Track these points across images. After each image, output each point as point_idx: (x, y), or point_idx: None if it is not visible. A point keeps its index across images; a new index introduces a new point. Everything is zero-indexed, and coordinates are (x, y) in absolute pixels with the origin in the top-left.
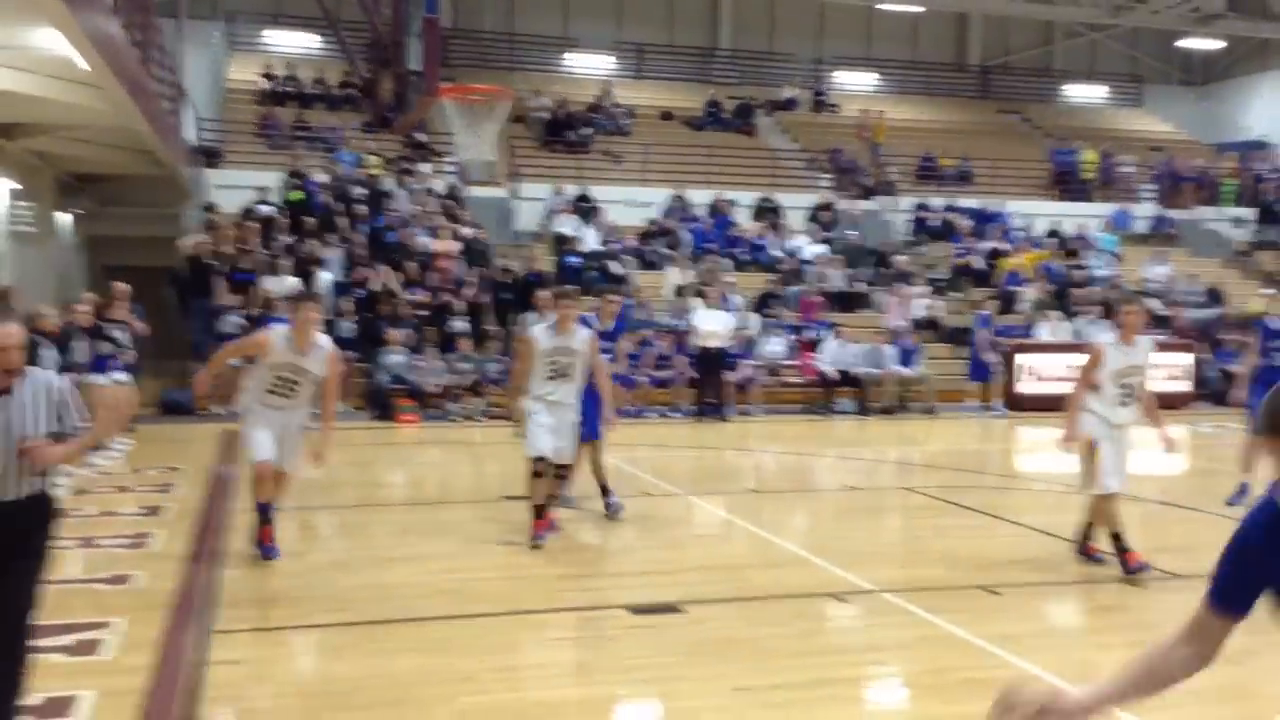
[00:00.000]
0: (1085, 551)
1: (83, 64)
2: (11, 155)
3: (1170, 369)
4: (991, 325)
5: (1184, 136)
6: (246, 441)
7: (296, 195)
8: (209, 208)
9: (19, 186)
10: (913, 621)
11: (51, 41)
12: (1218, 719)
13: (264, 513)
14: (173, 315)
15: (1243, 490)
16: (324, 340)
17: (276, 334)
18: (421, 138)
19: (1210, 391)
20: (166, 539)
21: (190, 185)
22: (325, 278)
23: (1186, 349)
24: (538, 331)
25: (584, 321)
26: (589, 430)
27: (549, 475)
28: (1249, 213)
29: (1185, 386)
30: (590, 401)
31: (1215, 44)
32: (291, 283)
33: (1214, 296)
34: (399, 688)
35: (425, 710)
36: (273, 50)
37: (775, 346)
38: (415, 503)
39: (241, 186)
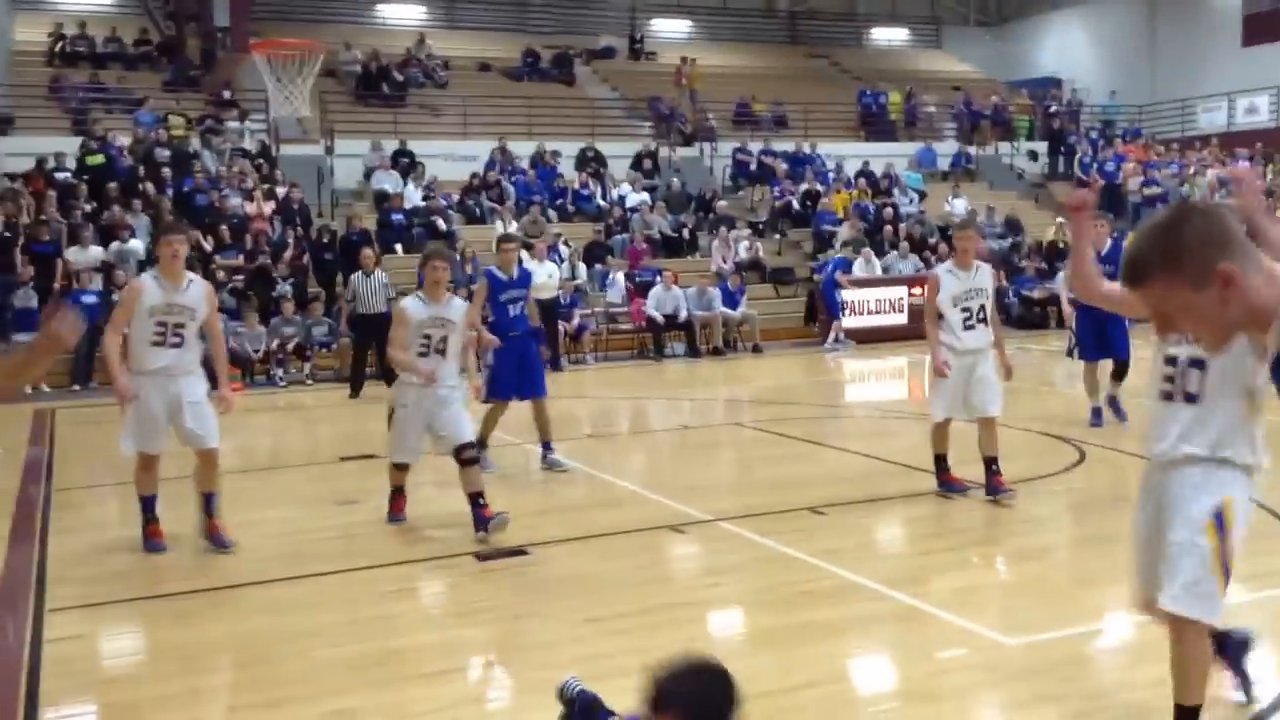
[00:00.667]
0: (945, 481)
1: None
2: None
3: None
4: (845, 267)
5: (981, 75)
6: (127, 431)
7: (95, 160)
8: (11, 177)
9: None
10: (746, 545)
11: None
12: (1024, 610)
13: (148, 507)
14: None
15: (1097, 413)
16: (195, 276)
17: (145, 277)
18: (228, 95)
19: (1011, 317)
20: None
21: None
22: (135, 246)
23: None
24: (409, 302)
25: (490, 276)
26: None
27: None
28: (1042, 147)
29: None
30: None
31: None
32: (96, 253)
33: (1012, 227)
34: (249, 648)
35: (277, 667)
36: (61, 8)
37: (612, 295)
38: (245, 470)
39: (34, 154)
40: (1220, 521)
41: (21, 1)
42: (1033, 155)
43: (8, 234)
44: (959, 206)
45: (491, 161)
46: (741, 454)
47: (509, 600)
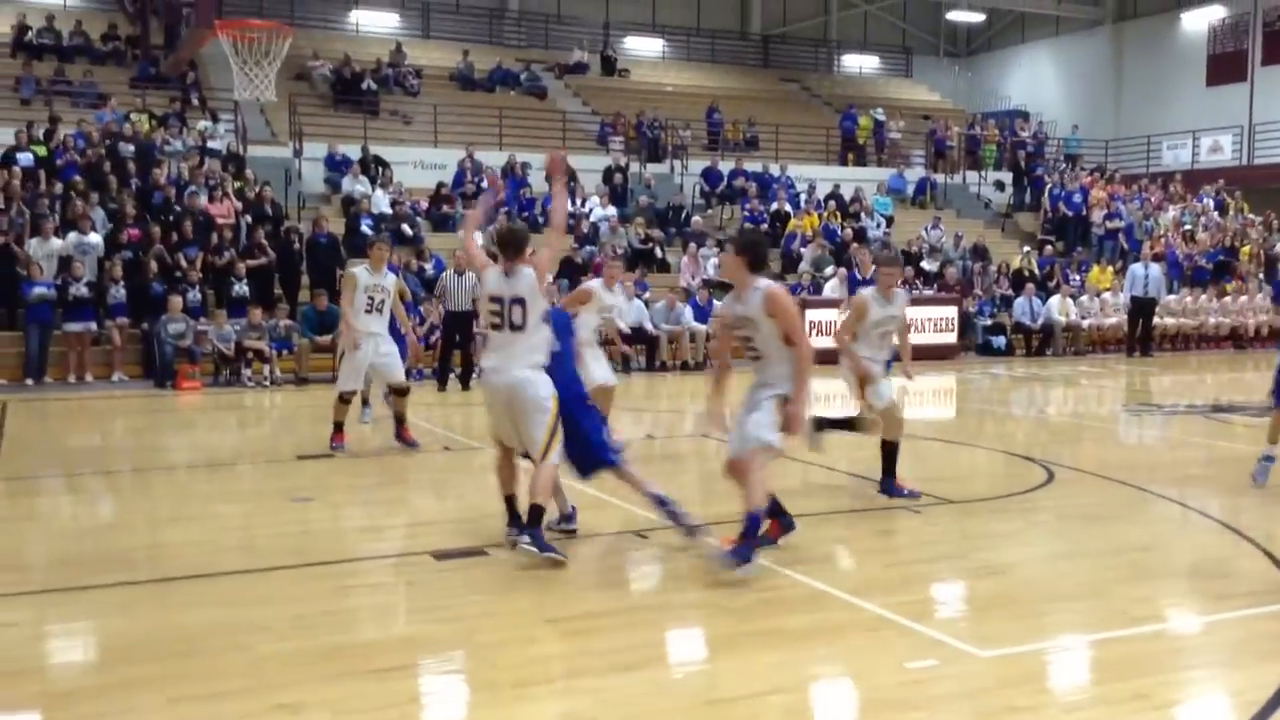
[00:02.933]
0: (892, 491)
1: None
2: None
3: (938, 321)
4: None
5: (949, 105)
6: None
7: (39, 150)
8: None
9: None
10: (710, 553)
11: None
12: (994, 622)
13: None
14: None
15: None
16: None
17: (359, 268)
18: (194, 96)
19: (979, 342)
20: None
21: None
22: (94, 239)
23: (953, 303)
24: (358, 270)
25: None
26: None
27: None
28: (1007, 177)
29: (951, 338)
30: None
31: (977, 18)
32: (55, 244)
33: (979, 254)
34: (190, 640)
35: (219, 659)
36: (26, 1)
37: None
38: (204, 465)
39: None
40: None
41: None
42: (999, 185)
43: None
44: (934, 236)
45: (461, 171)
46: (706, 465)
47: (465, 599)
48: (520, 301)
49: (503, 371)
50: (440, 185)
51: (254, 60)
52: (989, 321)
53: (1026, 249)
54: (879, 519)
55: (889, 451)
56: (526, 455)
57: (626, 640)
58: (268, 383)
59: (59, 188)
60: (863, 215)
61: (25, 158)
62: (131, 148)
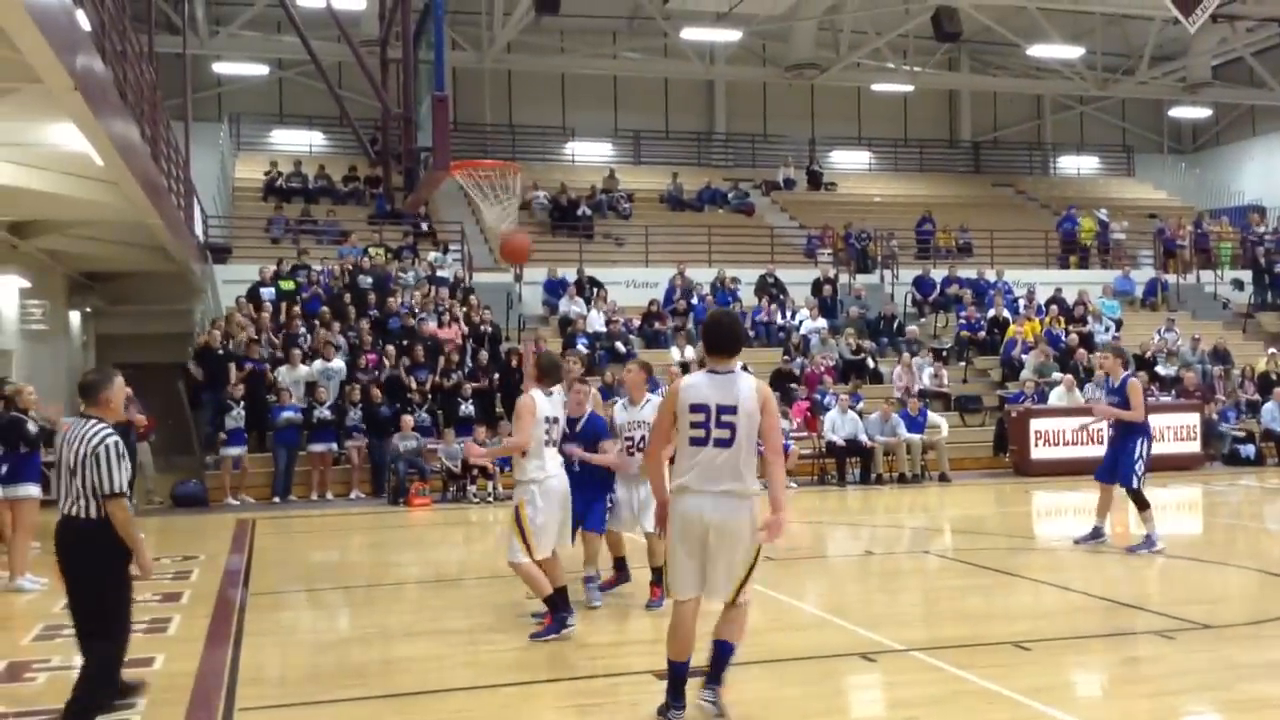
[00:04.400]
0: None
1: (99, 160)
2: (23, 254)
3: (1178, 430)
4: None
5: (1177, 203)
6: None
7: (286, 284)
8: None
9: (29, 285)
10: (944, 678)
11: (68, 138)
12: None
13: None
14: (183, 411)
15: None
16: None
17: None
18: (425, 226)
19: (1222, 452)
20: (184, 623)
21: (200, 281)
22: (338, 365)
23: (1195, 410)
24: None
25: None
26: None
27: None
28: (1246, 275)
29: (1194, 447)
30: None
31: (1203, 113)
32: (302, 371)
33: (1220, 357)
34: None
35: None
36: (276, 149)
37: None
38: (432, 580)
39: (249, 280)
40: None
41: (244, 142)
42: (1238, 284)
43: (221, 352)
44: (1169, 339)
45: (671, 288)
46: (930, 583)
47: None
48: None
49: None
50: (651, 303)
51: (494, 196)
52: (1235, 429)
53: (1272, 350)
54: (1122, 644)
55: None
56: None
57: None
58: (491, 499)
59: (298, 318)
60: (1089, 319)
61: (268, 292)
62: (370, 279)
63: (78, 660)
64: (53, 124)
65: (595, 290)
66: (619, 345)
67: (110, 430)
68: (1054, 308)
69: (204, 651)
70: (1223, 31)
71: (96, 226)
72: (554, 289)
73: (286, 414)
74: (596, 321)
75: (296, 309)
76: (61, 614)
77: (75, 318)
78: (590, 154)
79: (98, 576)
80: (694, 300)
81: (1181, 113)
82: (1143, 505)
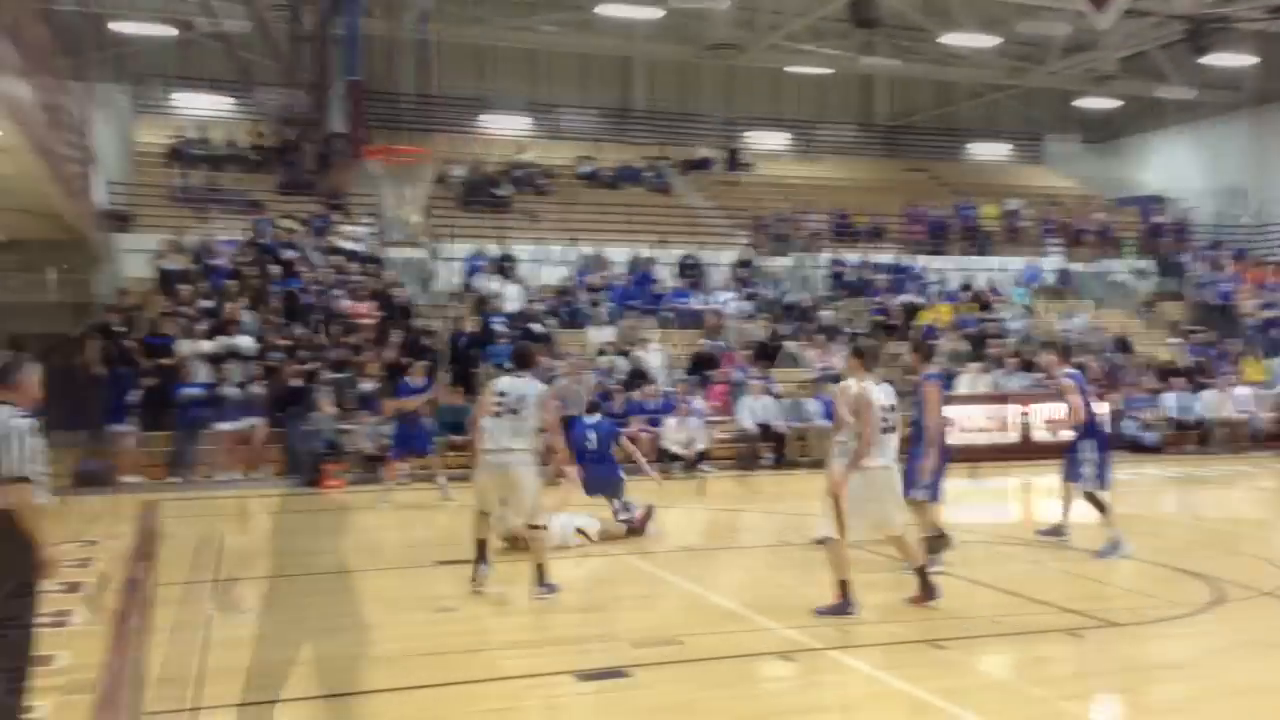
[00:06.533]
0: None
1: None
2: None
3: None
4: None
5: (1084, 191)
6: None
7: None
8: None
9: None
10: (862, 679)
11: None
12: None
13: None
14: (84, 384)
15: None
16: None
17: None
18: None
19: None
20: (87, 616)
21: (100, 249)
22: (243, 341)
23: (1100, 398)
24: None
25: None
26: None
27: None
28: (1149, 264)
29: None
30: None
31: (1111, 103)
32: (208, 346)
33: (1122, 346)
34: None
35: None
36: (182, 113)
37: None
38: (345, 570)
39: (152, 250)
40: None
41: (147, 106)
42: (1140, 273)
43: (124, 328)
44: (1076, 323)
45: (581, 266)
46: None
47: None
48: None
49: None
50: (565, 280)
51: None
52: (1139, 417)
53: (1172, 340)
54: (1038, 642)
55: None
56: None
57: None
58: (407, 480)
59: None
60: (998, 306)
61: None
62: (293, 252)
63: None
64: None
65: (511, 267)
66: (535, 326)
67: (28, 413)
68: (967, 293)
69: (109, 649)
70: (1132, 25)
71: None
72: (473, 266)
73: (190, 391)
74: (514, 299)
75: (204, 284)
76: None
77: None
78: (506, 127)
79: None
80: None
81: (1089, 103)
82: (1099, 508)
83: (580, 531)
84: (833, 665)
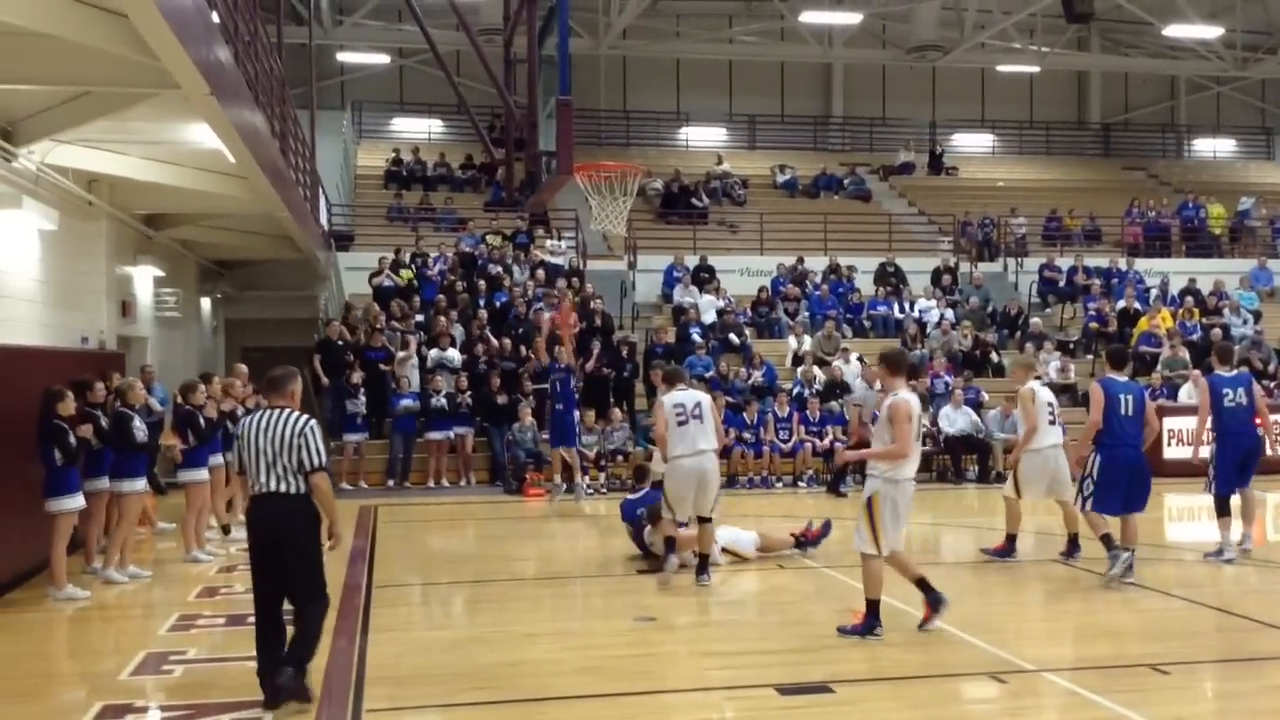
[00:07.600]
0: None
1: (231, 158)
2: (158, 244)
3: None
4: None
5: None
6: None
7: (406, 275)
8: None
9: (163, 273)
10: (1079, 704)
11: (202, 136)
12: None
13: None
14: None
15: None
16: None
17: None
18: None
19: None
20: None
21: (324, 268)
22: (452, 354)
23: None
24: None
25: None
26: None
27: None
28: None
29: None
30: None
31: None
32: (422, 357)
33: None
34: None
35: None
36: (397, 136)
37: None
38: (547, 577)
39: (369, 268)
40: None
41: (366, 131)
42: None
43: (341, 343)
44: None
45: (776, 277)
46: (1058, 594)
47: None
48: None
49: None
50: (760, 290)
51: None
52: None
53: None
54: (1269, 668)
55: None
56: None
57: None
58: (604, 490)
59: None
60: (1226, 311)
61: (387, 282)
62: (486, 267)
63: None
64: (188, 124)
65: (708, 278)
66: (732, 336)
67: (309, 416)
68: (1188, 299)
69: (333, 648)
70: None
71: (227, 217)
72: (670, 278)
73: (404, 402)
74: (710, 310)
75: (416, 300)
76: (195, 604)
77: (206, 304)
78: (704, 139)
79: (309, 544)
80: (808, 288)
81: None
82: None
83: (726, 550)
84: (1047, 687)
